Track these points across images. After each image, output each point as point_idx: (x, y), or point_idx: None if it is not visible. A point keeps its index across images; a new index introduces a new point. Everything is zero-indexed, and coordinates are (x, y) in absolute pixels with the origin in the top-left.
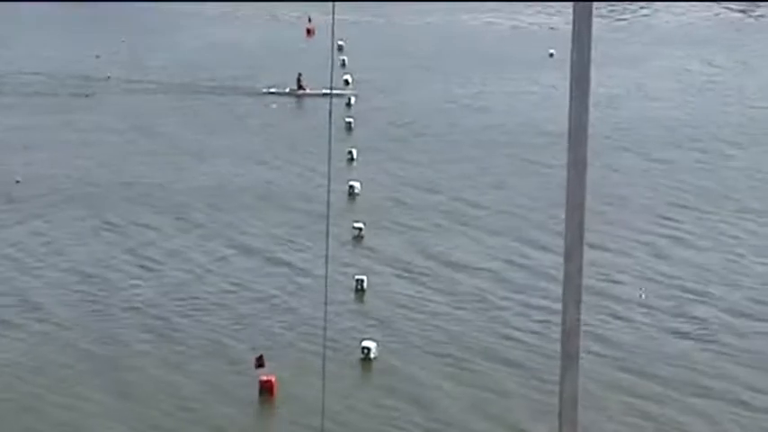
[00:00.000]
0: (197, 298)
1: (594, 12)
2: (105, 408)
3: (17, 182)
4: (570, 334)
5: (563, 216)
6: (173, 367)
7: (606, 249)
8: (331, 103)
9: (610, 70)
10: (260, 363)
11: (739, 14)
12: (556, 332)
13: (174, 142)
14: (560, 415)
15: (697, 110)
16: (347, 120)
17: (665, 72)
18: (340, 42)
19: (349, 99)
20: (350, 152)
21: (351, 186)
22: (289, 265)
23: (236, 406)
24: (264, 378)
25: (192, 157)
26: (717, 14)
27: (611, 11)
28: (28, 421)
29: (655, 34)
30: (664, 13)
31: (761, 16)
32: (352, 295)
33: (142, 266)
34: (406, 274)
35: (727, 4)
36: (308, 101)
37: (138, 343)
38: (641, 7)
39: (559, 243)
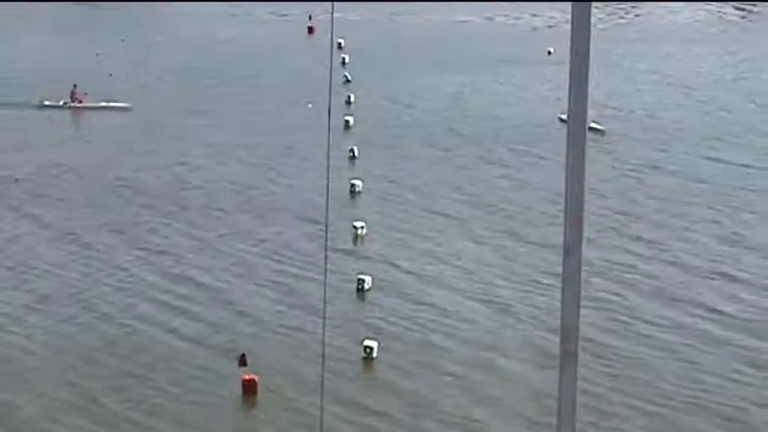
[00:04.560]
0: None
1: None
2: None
3: (16, 180)
4: (569, 333)
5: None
6: (168, 359)
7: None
8: (330, 102)
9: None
10: (243, 361)
11: (728, 13)
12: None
13: (182, 141)
14: (558, 415)
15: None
16: (346, 118)
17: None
18: (339, 40)
19: (349, 97)
20: (351, 150)
21: (352, 184)
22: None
23: (217, 404)
24: (247, 377)
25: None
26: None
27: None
28: None
29: (629, 34)
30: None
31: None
32: (354, 295)
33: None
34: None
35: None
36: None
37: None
38: (618, 8)
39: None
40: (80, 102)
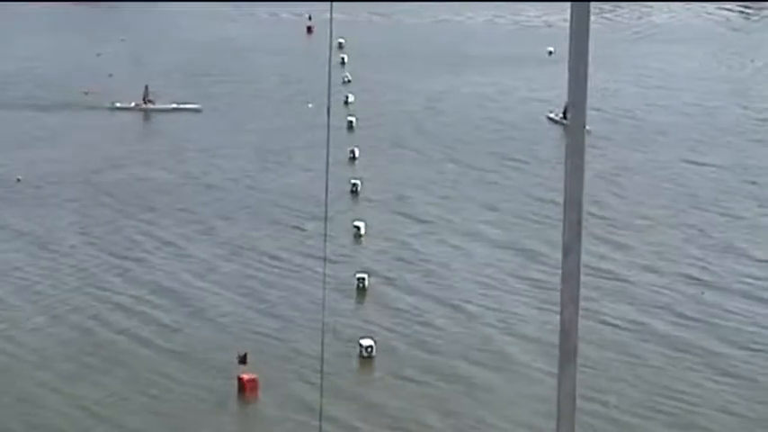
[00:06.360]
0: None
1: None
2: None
3: (17, 180)
4: (568, 332)
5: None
6: (162, 356)
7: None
8: (329, 100)
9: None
10: (243, 360)
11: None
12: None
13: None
14: (558, 412)
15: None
16: (348, 119)
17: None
18: (340, 40)
19: (347, 97)
20: (351, 151)
21: (353, 184)
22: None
23: (214, 401)
24: (245, 376)
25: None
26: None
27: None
28: None
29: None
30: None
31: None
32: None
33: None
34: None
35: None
36: None
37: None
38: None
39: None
40: (152, 103)
